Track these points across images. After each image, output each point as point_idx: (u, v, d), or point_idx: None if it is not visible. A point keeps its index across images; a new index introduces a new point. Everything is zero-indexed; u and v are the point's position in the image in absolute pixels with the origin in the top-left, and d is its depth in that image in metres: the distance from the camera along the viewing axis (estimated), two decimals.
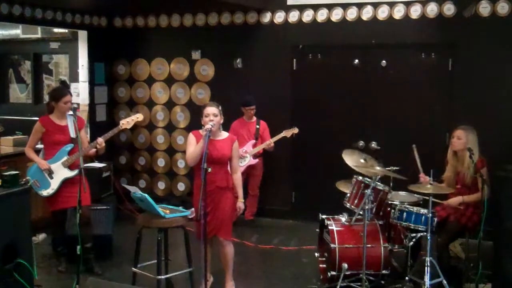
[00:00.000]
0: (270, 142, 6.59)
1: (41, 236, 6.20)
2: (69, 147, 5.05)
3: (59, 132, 5.07)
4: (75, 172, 4.99)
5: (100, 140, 5.02)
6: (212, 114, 4.44)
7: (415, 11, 6.34)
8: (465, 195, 4.85)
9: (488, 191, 4.56)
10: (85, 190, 4.80)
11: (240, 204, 4.63)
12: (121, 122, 5.16)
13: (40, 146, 5.29)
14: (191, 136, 4.58)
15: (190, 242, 4.55)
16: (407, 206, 4.78)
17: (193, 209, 4.49)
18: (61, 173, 5.03)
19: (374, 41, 6.55)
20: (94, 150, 5.10)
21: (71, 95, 5.18)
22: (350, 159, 4.95)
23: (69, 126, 5.08)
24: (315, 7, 6.73)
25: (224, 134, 4.66)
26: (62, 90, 5.21)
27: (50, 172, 5.01)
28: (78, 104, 7.17)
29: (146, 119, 7.63)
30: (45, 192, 5.03)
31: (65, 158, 5.03)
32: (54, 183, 5.03)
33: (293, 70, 6.98)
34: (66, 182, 5.04)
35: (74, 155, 5.00)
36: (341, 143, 6.42)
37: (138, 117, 5.24)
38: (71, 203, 4.99)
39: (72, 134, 5.01)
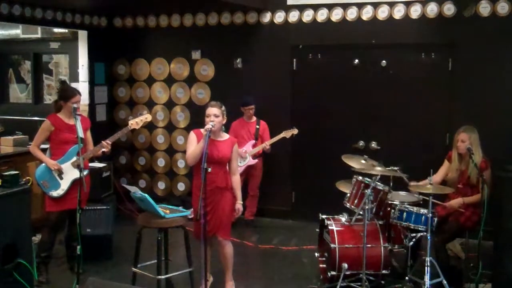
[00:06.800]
0: (266, 144, 6.57)
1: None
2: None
3: (68, 131, 4.97)
4: (85, 172, 4.90)
5: (109, 141, 4.97)
6: (213, 114, 4.43)
7: (415, 11, 6.33)
8: (466, 196, 4.87)
9: (488, 192, 4.55)
10: (85, 189, 4.76)
11: (239, 205, 4.62)
12: (130, 122, 5.08)
13: (44, 146, 5.17)
14: (192, 135, 4.56)
15: (190, 242, 4.55)
16: (407, 206, 4.78)
17: (192, 209, 4.49)
18: (71, 173, 4.96)
19: (374, 41, 6.55)
20: (101, 151, 5.04)
21: (80, 95, 5.08)
22: (351, 162, 4.97)
23: (76, 125, 4.96)
24: (315, 7, 6.73)
25: (225, 136, 4.65)
26: (72, 90, 5.08)
27: (60, 173, 4.95)
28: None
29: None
30: (55, 193, 4.94)
31: (74, 158, 4.96)
32: (65, 184, 4.96)
33: (293, 70, 6.98)
34: (75, 183, 4.94)
35: (84, 155, 4.91)
36: (341, 143, 6.48)
37: (147, 117, 5.16)
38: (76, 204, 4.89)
39: (80, 133, 4.92)
